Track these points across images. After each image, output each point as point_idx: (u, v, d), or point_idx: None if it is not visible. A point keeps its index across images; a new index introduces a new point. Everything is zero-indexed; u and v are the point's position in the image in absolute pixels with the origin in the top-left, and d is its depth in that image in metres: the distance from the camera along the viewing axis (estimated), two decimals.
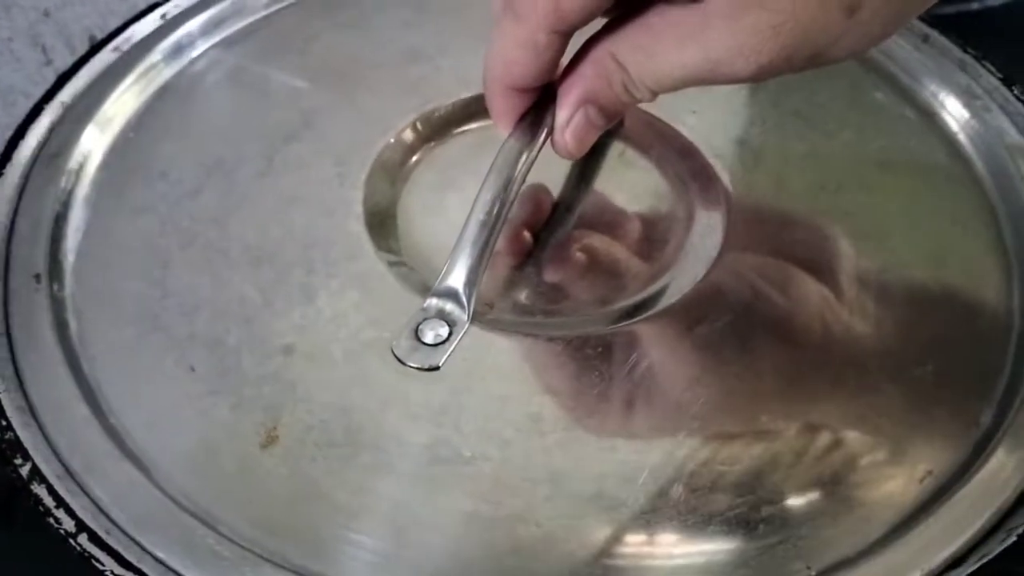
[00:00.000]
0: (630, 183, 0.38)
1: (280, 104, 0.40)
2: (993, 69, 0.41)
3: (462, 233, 0.33)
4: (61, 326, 0.33)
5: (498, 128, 0.33)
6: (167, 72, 0.41)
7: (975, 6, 0.52)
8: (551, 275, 0.35)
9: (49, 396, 0.31)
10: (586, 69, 0.31)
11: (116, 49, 0.41)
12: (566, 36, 0.30)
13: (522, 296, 0.35)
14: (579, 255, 0.36)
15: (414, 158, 0.38)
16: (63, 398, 0.31)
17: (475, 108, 0.40)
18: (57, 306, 0.33)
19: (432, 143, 0.39)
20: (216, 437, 0.31)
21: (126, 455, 0.30)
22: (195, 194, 0.37)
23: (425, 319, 0.33)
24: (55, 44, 0.46)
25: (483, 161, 0.34)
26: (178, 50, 0.41)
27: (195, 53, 0.41)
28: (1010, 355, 0.33)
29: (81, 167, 0.37)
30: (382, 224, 0.36)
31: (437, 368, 0.32)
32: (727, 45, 0.27)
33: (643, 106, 0.39)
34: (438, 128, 0.39)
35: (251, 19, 0.42)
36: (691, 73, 0.29)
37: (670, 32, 0.28)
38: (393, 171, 0.38)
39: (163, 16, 0.42)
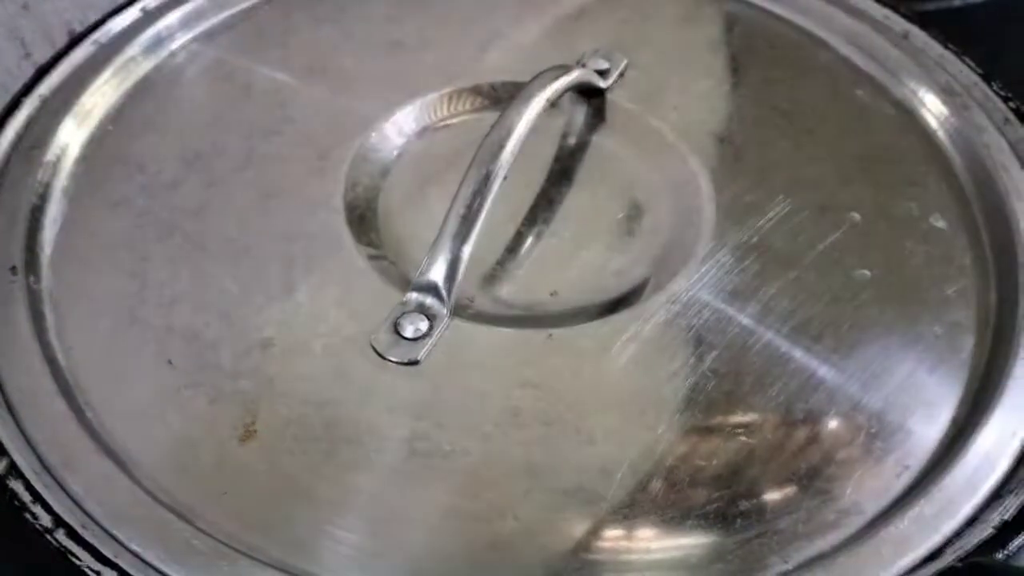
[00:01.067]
0: (611, 179, 0.38)
1: (260, 98, 0.39)
2: (973, 65, 0.41)
3: (442, 227, 0.33)
4: (37, 319, 0.33)
5: None
6: (146, 65, 0.40)
7: (956, 2, 0.52)
8: (533, 270, 0.35)
9: (26, 390, 0.31)
10: None
11: (95, 42, 0.41)
12: None
13: (502, 290, 0.35)
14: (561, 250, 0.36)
15: (395, 152, 0.38)
16: (40, 392, 0.31)
17: (457, 102, 0.40)
18: (33, 299, 0.33)
19: (413, 137, 0.39)
20: (194, 431, 0.31)
21: (103, 450, 0.30)
22: (173, 187, 0.36)
23: (404, 313, 0.33)
24: (34, 38, 0.46)
25: (464, 156, 0.34)
26: (157, 43, 0.41)
27: (174, 46, 0.41)
28: (985, 351, 0.33)
29: (59, 160, 0.37)
30: (362, 218, 0.36)
31: (417, 362, 0.32)
32: None
33: (624, 101, 0.39)
34: (419, 122, 0.39)
35: (231, 12, 0.42)
36: None
37: None
38: (374, 165, 0.38)
39: (143, 9, 0.42)
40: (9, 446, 0.30)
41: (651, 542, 0.29)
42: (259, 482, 0.30)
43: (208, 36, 0.42)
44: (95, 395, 0.31)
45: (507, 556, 0.29)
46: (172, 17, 0.41)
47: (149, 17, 0.41)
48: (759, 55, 0.42)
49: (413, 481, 0.30)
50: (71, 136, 0.37)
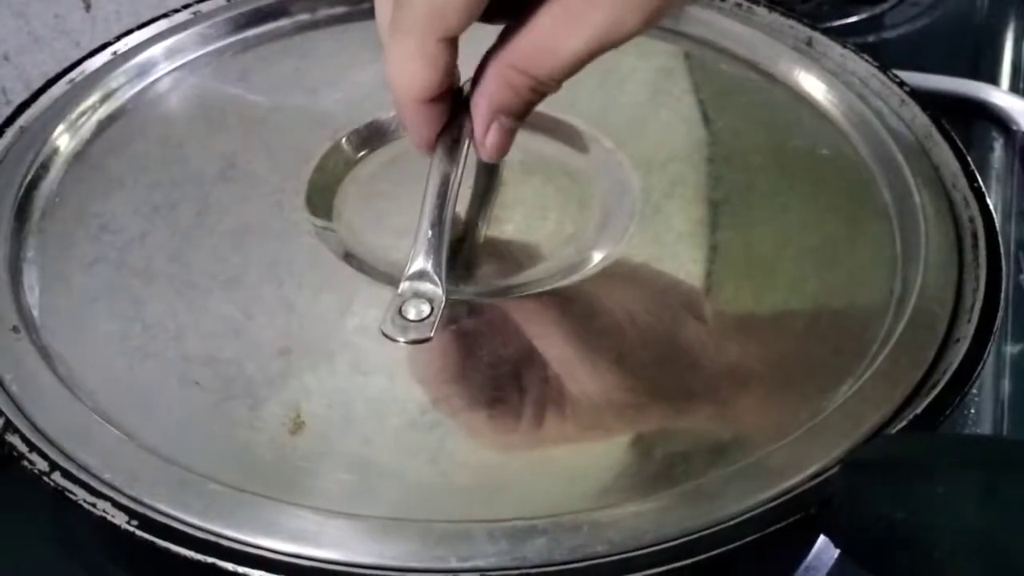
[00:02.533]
0: (539, 168, 0.42)
1: (201, 151, 0.41)
2: (869, 59, 0.45)
3: (420, 218, 0.36)
4: (54, 369, 0.33)
5: (417, 145, 0.36)
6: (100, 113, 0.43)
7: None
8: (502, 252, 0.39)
9: (68, 435, 0.31)
10: (490, 84, 0.33)
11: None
12: (455, 41, 0.32)
13: (481, 274, 0.38)
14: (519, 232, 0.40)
15: (344, 177, 0.41)
16: (87, 434, 0.31)
17: (386, 129, 0.43)
18: (44, 352, 0.33)
19: (352, 163, 0.42)
20: (244, 435, 0.32)
21: (169, 462, 0.30)
22: (142, 239, 0.38)
23: (404, 301, 0.35)
24: (15, 86, 0.46)
25: (408, 168, 0.38)
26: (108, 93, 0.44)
27: (126, 96, 0.44)
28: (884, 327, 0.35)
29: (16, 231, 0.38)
30: (333, 233, 0.39)
31: (429, 339, 0.35)
32: (616, 10, 0.30)
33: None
34: (354, 150, 0.42)
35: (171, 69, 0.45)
36: (592, 50, 0.31)
37: (562, 25, 0.31)
38: (328, 189, 0.41)
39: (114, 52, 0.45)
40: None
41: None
42: (324, 465, 0.31)
43: (159, 86, 0.45)
44: (137, 429, 0.32)
45: None
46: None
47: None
48: (648, 59, 0.46)
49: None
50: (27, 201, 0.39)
